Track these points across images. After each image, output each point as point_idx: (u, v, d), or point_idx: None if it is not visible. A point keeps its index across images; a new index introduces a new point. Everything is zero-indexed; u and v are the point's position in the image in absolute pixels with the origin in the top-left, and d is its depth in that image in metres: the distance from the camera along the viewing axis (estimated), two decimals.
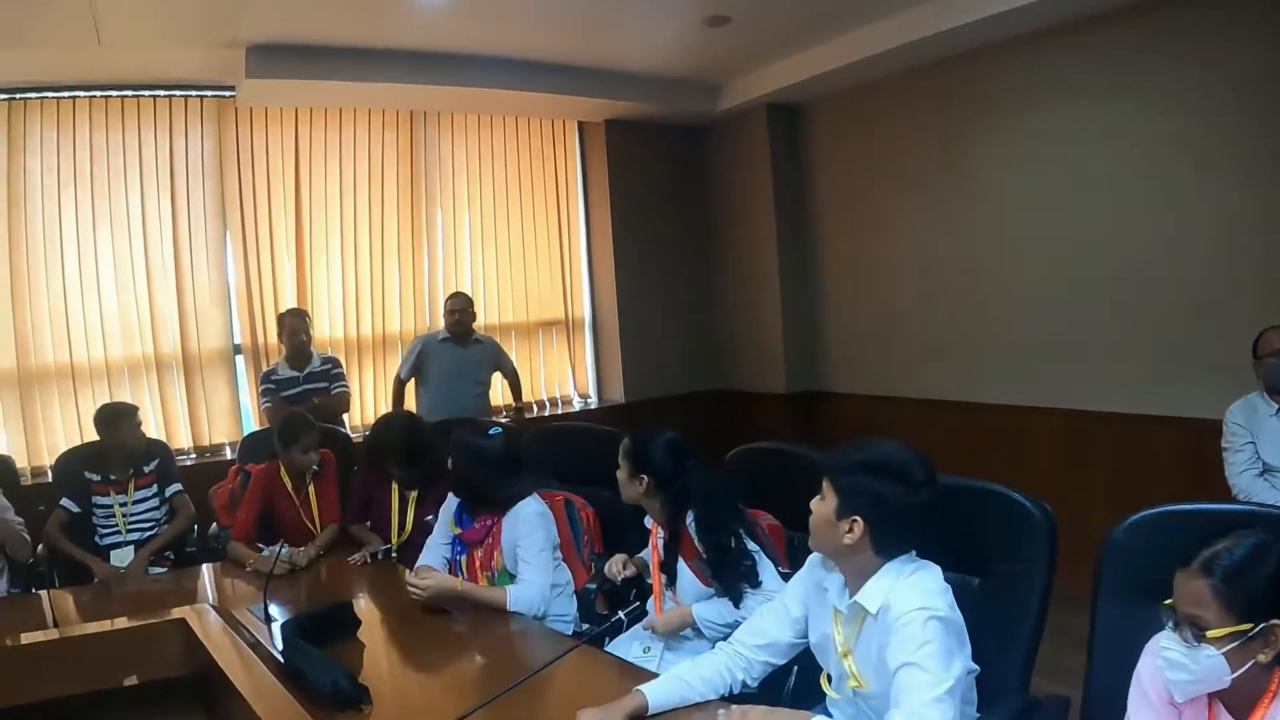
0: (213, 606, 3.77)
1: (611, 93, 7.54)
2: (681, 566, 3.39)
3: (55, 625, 3.72)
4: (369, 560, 4.50)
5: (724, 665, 2.66)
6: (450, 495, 4.02)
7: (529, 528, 3.71)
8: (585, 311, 8.59)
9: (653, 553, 3.57)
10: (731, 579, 3.21)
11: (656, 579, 3.54)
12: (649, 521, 3.61)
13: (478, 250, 7.94)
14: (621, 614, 3.39)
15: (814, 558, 2.67)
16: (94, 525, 4.99)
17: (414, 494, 4.69)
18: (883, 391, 7.61)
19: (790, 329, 8.16)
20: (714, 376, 8.75)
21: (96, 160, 6.45)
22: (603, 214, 8.38)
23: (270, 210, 7.02)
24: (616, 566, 3.75)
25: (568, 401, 8.47)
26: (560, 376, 8.45)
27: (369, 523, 4.83)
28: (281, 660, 3.01)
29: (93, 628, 3.71)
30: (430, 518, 4.41)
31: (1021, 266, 6.53)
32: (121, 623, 3.67)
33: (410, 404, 6.98)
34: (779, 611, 2.72)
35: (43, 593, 4.34)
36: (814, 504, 2.51)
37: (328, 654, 2.94)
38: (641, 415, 8.01)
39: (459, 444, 3.89)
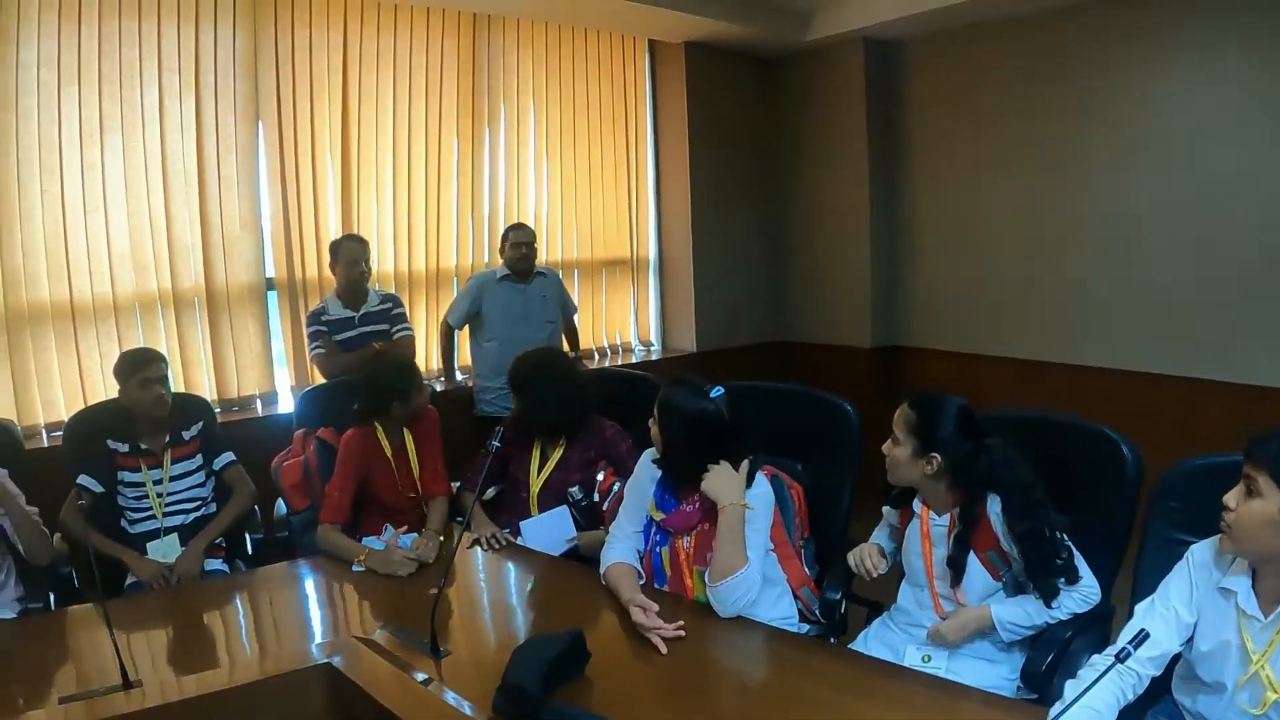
0: (358, 639, 2.64)
1: (691, 6, 6.23)
2: (970, 560, 2.75)
3: (124, 677, 2.35)
4: (491, 547, 3.53)
5: (1118, 686, 2.20)
6: (641, 470, 3.15)
7: (757, 510, 2.90)
8: (651, 251, 7.33)
9: (924, 542, 2.86)
10: (1048, 574, 2.63)
11: (930, 575, 2.84)
12: (918, 505, 2.89)
13: (542, 179, 6.59)
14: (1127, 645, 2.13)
15: (1201, 556, 2.31)
16: (121, 509, 3.67)
17: (557, 453, 3.82)
18: (976, 350, 6.68)
19: (878, 280, 7.10)
20: (790, 327, 7.67)
21: (106, 54, 4.87)
22: (678, 146, 7.10)
23: (313, 122, 5.51)
24: (871, 559, 2.98)
25: (628, 349, 7.21)
26: (622, 322, 7.19)
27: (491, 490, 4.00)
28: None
29: (205, 682, 2.40)
30: (575, 489, 3.73)
31: (1139, 226, 5.74)
32: (241, 676, 2.44)
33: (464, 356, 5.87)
34: (1168, 619, 2.29)
35: (73, 610, 3.05)
36: (1235, 499, 2.15)
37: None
38: (712, 366, 6.78)
39: (670, 407, 3.01)
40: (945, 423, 2.75)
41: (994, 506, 2.71)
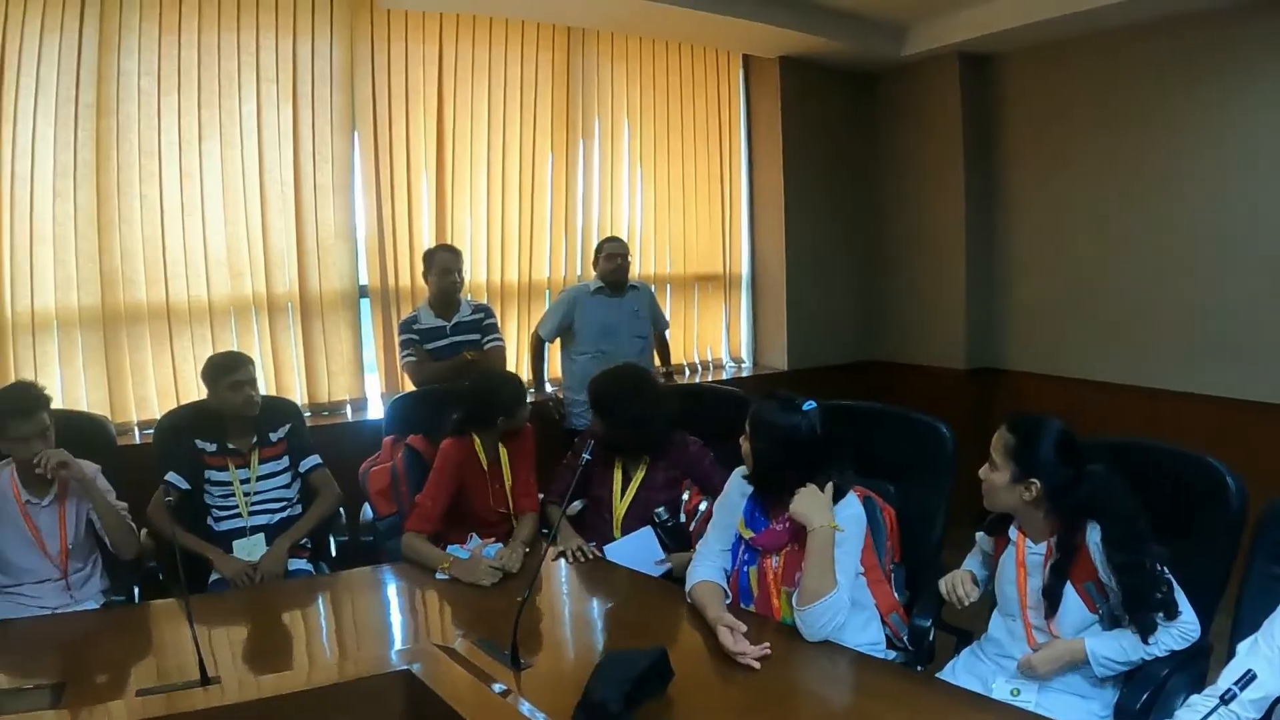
0: (439, 647, 2.57)
1: (785, 20, 6.10)
2: (1067, 591, 2.61)
3: (203, 672, 2.31)
4: (579, 560, 3.45)
5: None
6: (731, 488, 3.05)
7: (848, 533, 2.79)
8: (743, 267, 7.19)
9: (1019, 571, 2.72)
10: (1147, 608, 2.49)
11: (1024, 605, 2.70)
12: (1014, 532, 2.75)
13: (635, 192, 6.51)
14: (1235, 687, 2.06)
15: None
16: (207, 506, 3.66)
17: (640, 473, 3.70)
18: (1075, 374, 6.37)
19: (974, 300, 6.84)
20: (882, 346, 7.47)
21: (205, 64, 4.93)
22: (772, 161, 6.96)
23: (408, 132, 5.51)
24: (964, 587, 2.81)
25: (719, 365, 7.07)
26: (714, 338, 7.06)
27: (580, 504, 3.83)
28: None
29: (283, 682, 2.38)
30: (660, 510, 3.58)
31: (1250, 246, 5.40)
32: (319, 678, 2.41)
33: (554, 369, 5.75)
34: (1272, 659, 2.18)
35: (156, 604, 3.11)
36: None
37: None
38: (803, 384, 6.51)
39: (762, 422, 2.92)
40: (1045, 447, 2.63)
41: (1093, 536, 2.59)
